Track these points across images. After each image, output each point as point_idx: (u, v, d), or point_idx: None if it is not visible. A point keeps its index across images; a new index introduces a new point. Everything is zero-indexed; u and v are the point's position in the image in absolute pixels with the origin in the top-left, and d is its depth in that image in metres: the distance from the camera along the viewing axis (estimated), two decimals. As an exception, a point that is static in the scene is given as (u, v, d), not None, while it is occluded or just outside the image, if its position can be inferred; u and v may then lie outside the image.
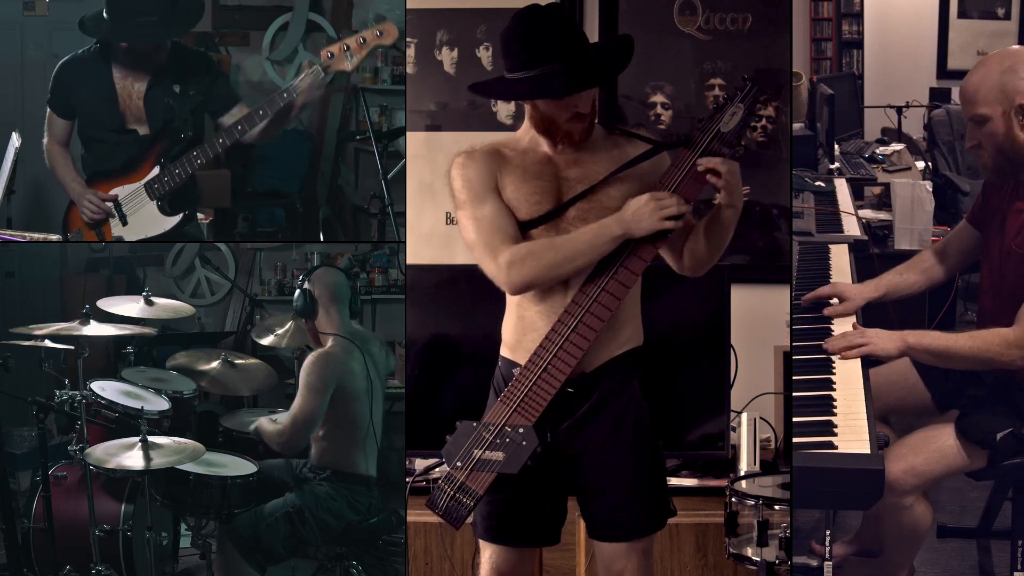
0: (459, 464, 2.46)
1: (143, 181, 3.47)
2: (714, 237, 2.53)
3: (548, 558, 3.27)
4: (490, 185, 2.50)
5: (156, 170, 3.46)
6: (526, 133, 2.55)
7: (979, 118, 2.88)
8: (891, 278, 3.28)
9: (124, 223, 3.48)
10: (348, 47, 3.27)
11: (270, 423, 3.50)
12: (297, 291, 3.48)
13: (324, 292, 3.48)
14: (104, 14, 3.37)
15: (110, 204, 3.47)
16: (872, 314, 3.24)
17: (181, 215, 3.50)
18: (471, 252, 2.53)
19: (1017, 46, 2.95)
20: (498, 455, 2.44)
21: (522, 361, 2.48)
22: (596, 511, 2.60)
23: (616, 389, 2.54)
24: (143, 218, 3.49)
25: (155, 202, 3.47)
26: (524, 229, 2.49)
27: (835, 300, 3.20)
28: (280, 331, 3.86)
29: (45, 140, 3.56)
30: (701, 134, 2.44)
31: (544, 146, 2.52)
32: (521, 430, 2.43)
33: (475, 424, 2.47)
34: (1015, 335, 2.77)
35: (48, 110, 3.56)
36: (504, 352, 2.59)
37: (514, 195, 2.50)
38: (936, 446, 2.89)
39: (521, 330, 2.53)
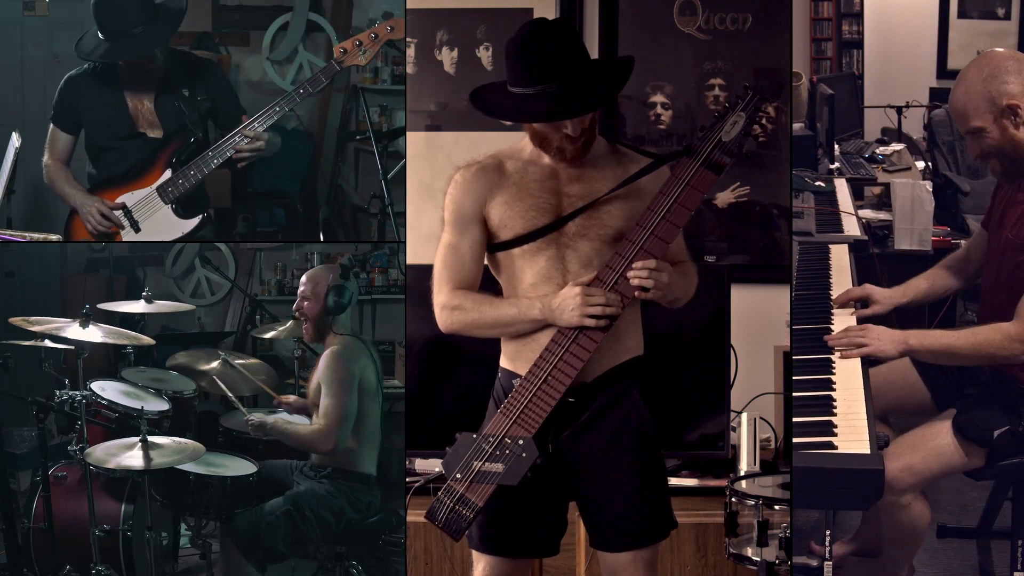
0: (459, 476, 2.45)
1: (154, 185, 3.46)
2: (666, 302, 2.54)
3: (548, 559, 3.26)
4: (475, 214, 2.52)
5: (167, 173, 3.46)
6: (529, 142, 2.55)
7: (974, 130, 2.90)
8: (919, 283, 3.28)
9: (136, 230, 3.47)
10: (360, 43, 3.36)
11: (303, 426, 3.48)
12: (332, 289, 3.48)
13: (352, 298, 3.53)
14: (98, 34, 3.38)
15: (118, 213, 3.46)
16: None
17: (199, 217, 3.51)
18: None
19: (992, 50, 2.96)
20: (498, 467, 2.43)
21: (522, 372, 2.47)
22: (598, 520, 2.58)
23: (617, 398, 2.53)
24: (157, 223, 3.48)
25: (169, 205, 3.47)
26: (522, 242, 2.49)
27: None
28: (280, 328, 3.93)
29: (45, 158, 3.56)
30: (702, 143, 2.44)
31: (547, 157, 2.51)
32: (521, 442, 2.41)
33: (475, 436, 2.46)
34: (1016, 329, 2.78)
35: (51, 127, 3.55)
36: (504, 363, 2.58)
37: (505, 213, 2.50)
38: (934, 444, 2.89)
39: (521, 341, 2.52)
